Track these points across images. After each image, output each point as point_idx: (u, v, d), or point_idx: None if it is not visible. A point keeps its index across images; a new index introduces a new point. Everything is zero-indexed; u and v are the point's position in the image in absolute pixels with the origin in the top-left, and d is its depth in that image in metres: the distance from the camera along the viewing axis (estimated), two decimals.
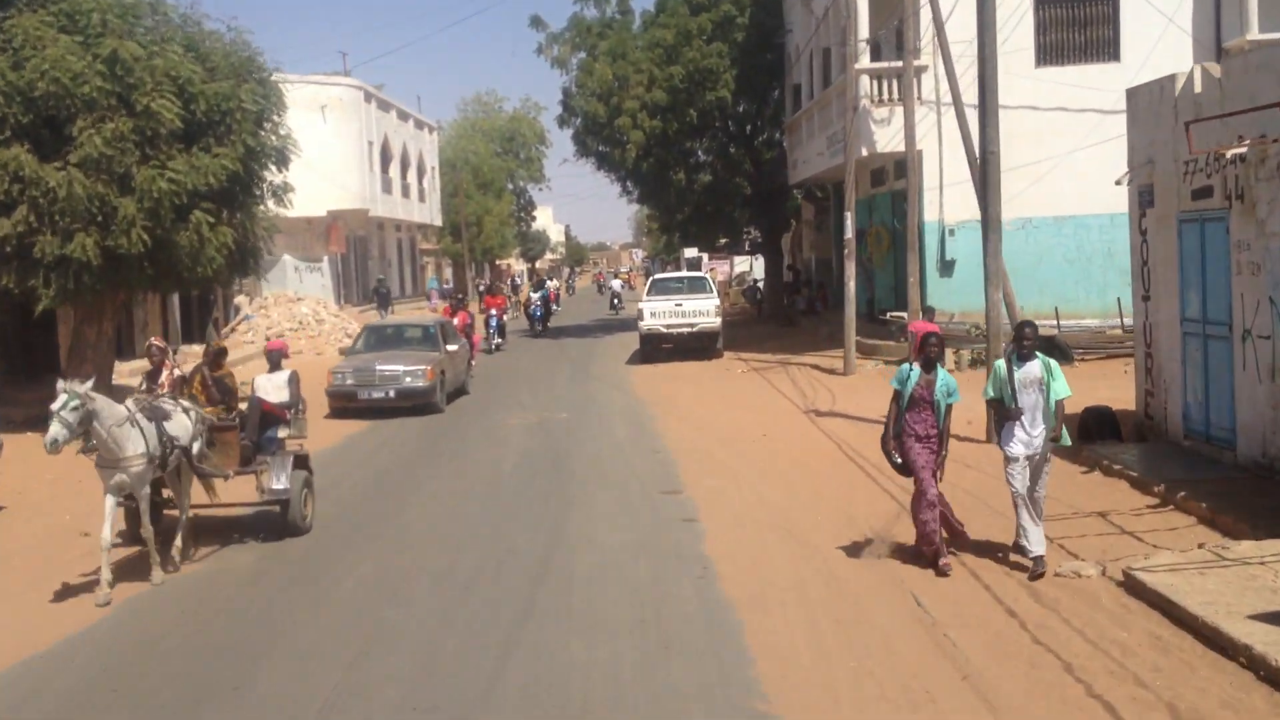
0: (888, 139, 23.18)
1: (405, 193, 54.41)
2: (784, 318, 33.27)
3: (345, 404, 18.93)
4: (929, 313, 17.54)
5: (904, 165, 24.39)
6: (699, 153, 35.40)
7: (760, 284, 42.35)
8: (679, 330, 25.12)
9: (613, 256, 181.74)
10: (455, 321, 22.68)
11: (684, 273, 35.29)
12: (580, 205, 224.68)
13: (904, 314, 23.34)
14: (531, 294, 36.35)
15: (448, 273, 72.33)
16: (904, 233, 25.10)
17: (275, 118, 18.97)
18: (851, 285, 21.69)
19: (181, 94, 16.97)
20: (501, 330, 29.09)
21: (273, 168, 19.26)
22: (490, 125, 77.57)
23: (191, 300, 29.36)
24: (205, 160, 17.03)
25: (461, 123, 78.30)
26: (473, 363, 22.71)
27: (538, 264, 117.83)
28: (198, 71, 17.25)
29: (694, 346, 25.84)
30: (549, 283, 47.97)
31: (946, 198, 22.96)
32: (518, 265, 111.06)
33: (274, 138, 18.89)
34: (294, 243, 44.97)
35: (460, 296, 25.83)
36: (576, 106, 31.99)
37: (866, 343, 22.96)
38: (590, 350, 30.09)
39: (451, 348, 20.19)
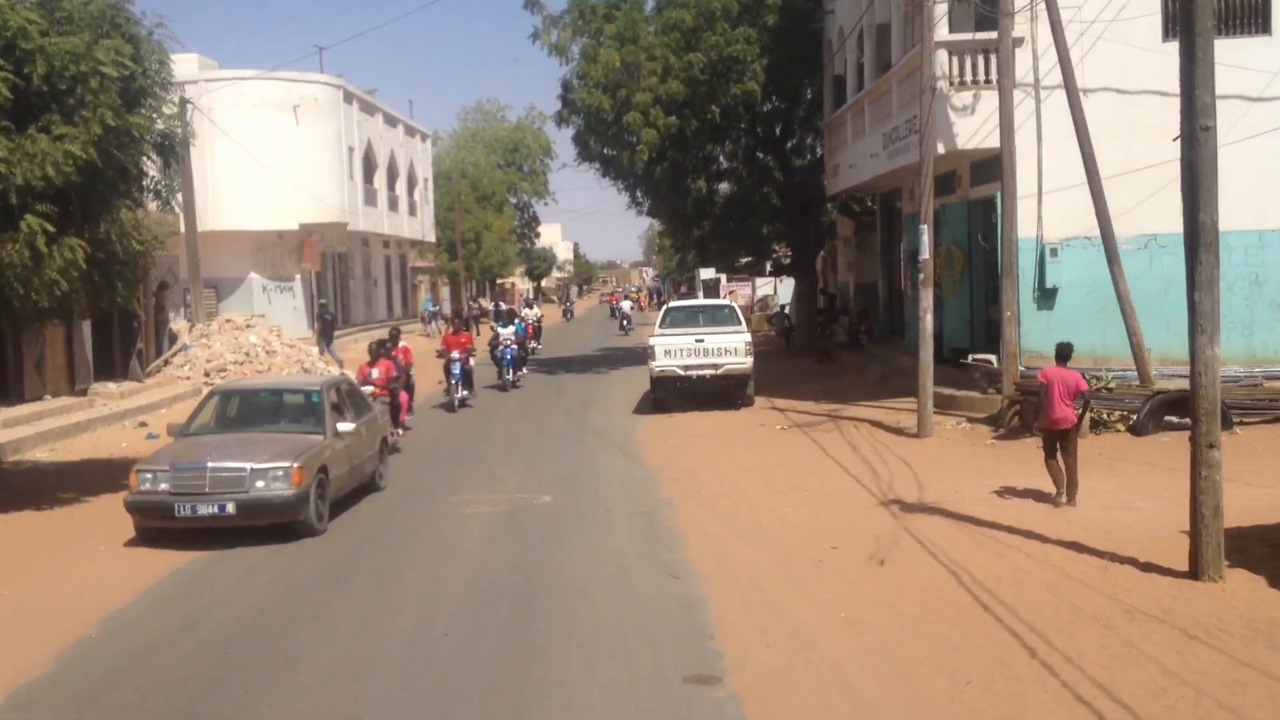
0: (970, 132, 18.16)
1: (393, 205, 49.57)
2: (821, 352, 28.19)
3: (158, 524, 11.54)
4: (1064, 353, 12.46)
5: (984, 168, 19.42)
6: (720, 157, 30.42)
7: (787, 309, 37.32)
8: (700, 373, 20.06)
9: (622, 275, 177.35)
10: (375, 374, 16.77)
11: (705, 299, 30.18)
12: (588, 221, 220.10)
13: (991, 357, 18.34)
14: (499, 329, 25.53)
15: (444, 292, 67.62)
16: (989, 252, 20.12)
17: (159, 91, 13.92)
18: (929, 320, 16.62)
19: (9, 52, 12.08)
20: (467, 379, 21.73)
21: (155, 159, 14.25)
22: (491, 135, 72.86)
23: (111, 327, 24.42)
24: (44, 145, 12.11)
25: (461, 132, 73.66)
26: (399, 432, 16.94)
27: (544, 283, 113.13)
28: (35, 21, 12.31)
29: (718, 390, 20.81)
30: (527, 311, 37.21)
31: (1047, 208, 17.92)
32: (523, 284, 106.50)
33: (156, 118, 13.85)
34: (262, 260, 40.29)
35: (386, 340, 18.21)
36: (578, 101, 27.01)
37: (941, 393, 17.89)
38: (590, 391, 25.00)
39: (345, 427, 12.81)
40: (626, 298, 66.90)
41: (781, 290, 41.97)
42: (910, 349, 23.86)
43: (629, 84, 26.25)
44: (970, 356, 18.48)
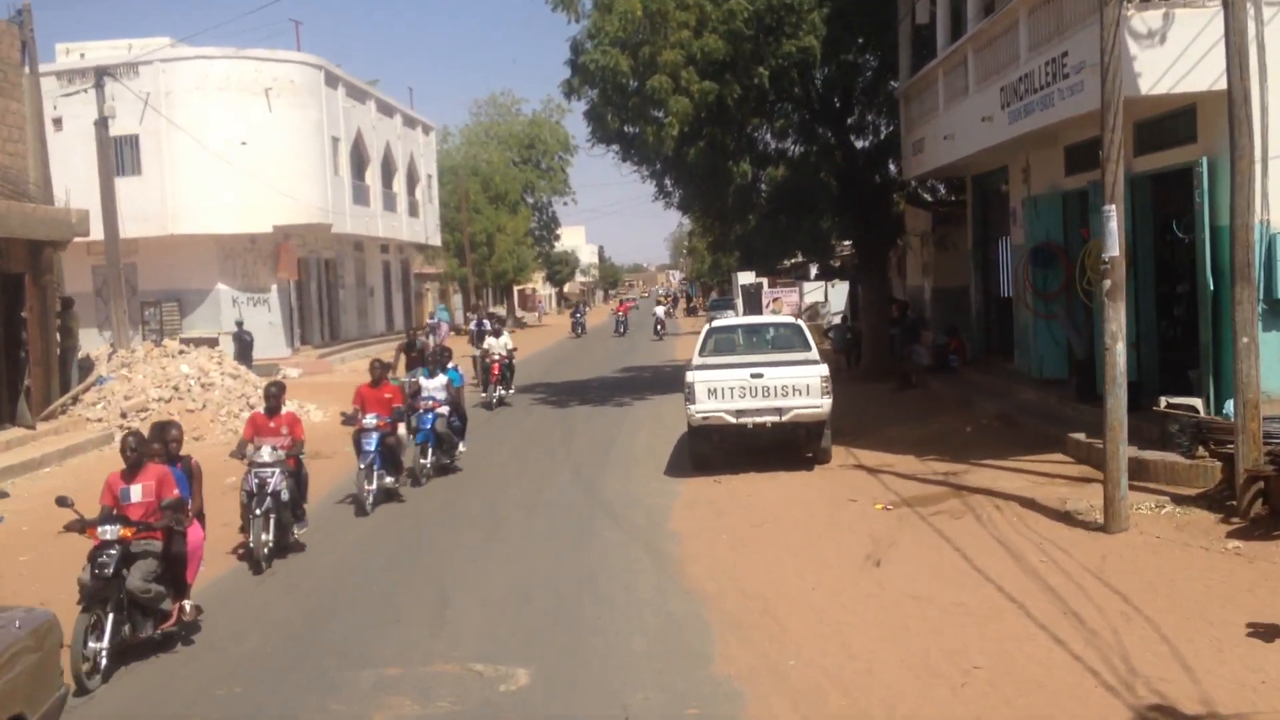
0: (1157, 71, 12.39)
1: (390, 204, 44.16)
2: (900, 377, 22.42)
3: None
4: None
5: (1160, 126, 13.65)
6: (768, 134, 24.69)
7: (843, 320, 31.58)
8: (759, 420, 14.34)
9: (649, 278, 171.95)
10: (134, 495, 8.62)
11: (761, 317, 24.43)
12: (610, 222, 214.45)
13: (1195, 401, 12.55)
14: (423, 380, 15.76)
15: (456, 300, 62.36)
16: (1167, 247, 14.38)
17: None
18: (1120, 351, 10.80)
19: None
20: (390, 460, 13.65)
21: None
22: (506, 130, 67.43)
23: None
24: None
25: (474, 127, 68.32)
26: (186, 607, 8.83)
27: (566, 288, 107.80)
28: None
29: (779, 438, 15.15)
30: (493, 341, 23.90)
31: (1276, 179, 12.12)
32: (544, 290, 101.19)
33: None
34: (232, 268, 34.92)
35: (167, 427, 9.78)
36: (590, 64, 21.32)
37: (1099, 447, 12.20)
38: (608, 435, 19.27)
39: None
40: (658, 303, 62.10)
41: (833, 296, 36.22)
42: (1029, 375, 18.13)
43: (654, 39, 20.59)
44: (1164, 401, 12.65)
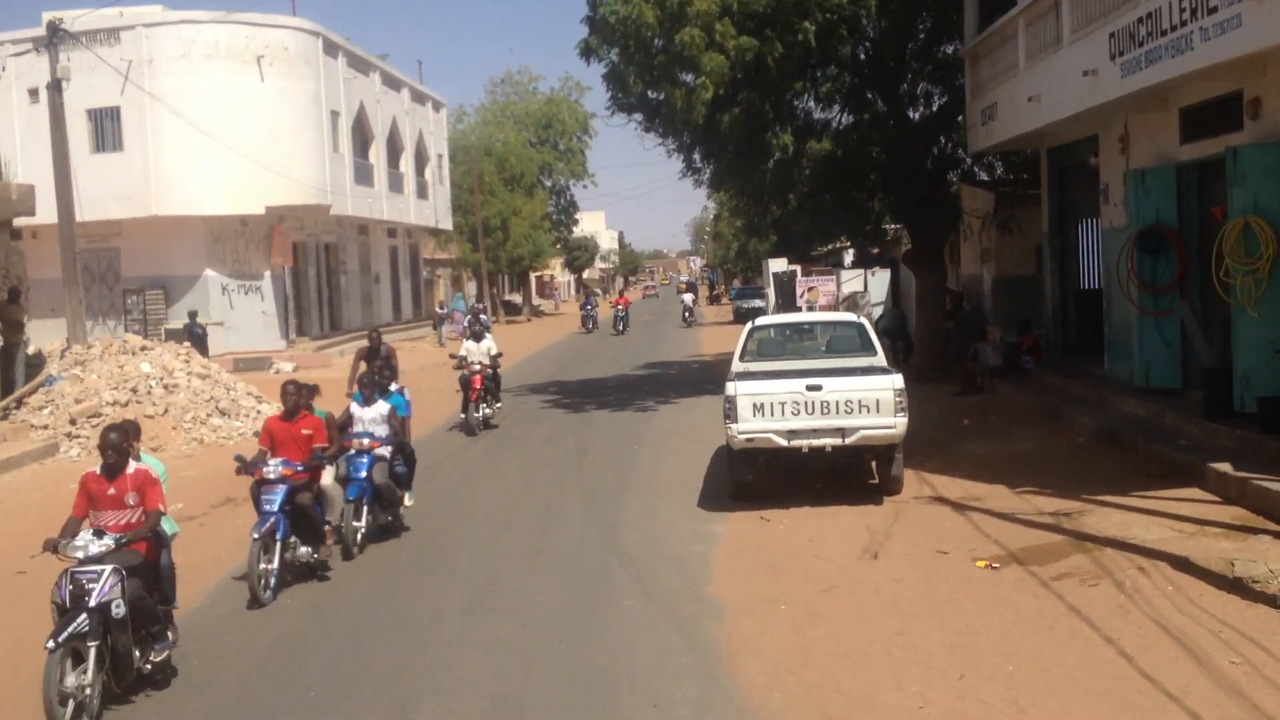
0: None
1: (396, 185, 41.47)
2: (964, 379, 19.54)
3: None
4: None
5: None
6: (811, 101, 21.82)
7: (892, 308, 28.71)
8: (816, 443, 11.54)
9: (669, 265, 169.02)
10: None
11: (815, 314, 21.57)
12: (628, 206, 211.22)
13: None
14: (355, 408, 11.36)
15: (470, 288, 59.75)
16: None
17: None
18: None
19: None
20: (305, 523, 9.61)
21: None
22: (522, 109, 64.62)
23: None
24: None
25: (490, 107, 65.56)
26: None
27: (585, 275, 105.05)
28: None
29: (833, 461, 12.39)
30: (471, 345, 18.57)
31: None
32: (562, 276, 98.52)
33: None
34: (221, 253, 32.29)
35: None
36: (610, 18, 18.54)
37: (1270, 488, 9.41)
38: (628, 451, 16.45)
39: None
40: (680, 291, 60.88)
41: (873, 286, 33.28)
42: (1129, 383, 15.31)
43: None
44: None
